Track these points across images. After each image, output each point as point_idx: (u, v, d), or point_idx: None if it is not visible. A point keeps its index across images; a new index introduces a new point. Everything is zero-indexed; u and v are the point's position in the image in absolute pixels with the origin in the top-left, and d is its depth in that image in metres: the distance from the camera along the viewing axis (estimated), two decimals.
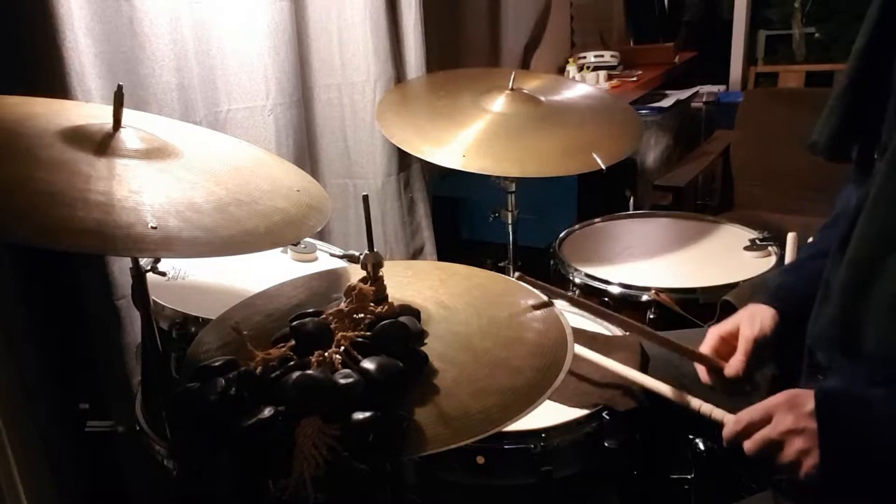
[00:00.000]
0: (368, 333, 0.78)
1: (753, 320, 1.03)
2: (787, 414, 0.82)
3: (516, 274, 0.99)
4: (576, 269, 1.51)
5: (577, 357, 0.82)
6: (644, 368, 1.10)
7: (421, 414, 0.72)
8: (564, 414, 1.01)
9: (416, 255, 2.09)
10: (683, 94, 3.10)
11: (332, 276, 1.07)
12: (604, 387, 1.06)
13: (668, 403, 1.05)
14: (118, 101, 0.91)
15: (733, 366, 1.00)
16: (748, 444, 0.84)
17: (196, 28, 1.48)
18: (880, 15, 0.85)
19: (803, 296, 0.97)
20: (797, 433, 0.81)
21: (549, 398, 0.75)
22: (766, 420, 0.84)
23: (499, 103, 1.60)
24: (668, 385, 1.01)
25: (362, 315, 0.81)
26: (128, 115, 0.93)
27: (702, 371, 1.04)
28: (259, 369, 0.74)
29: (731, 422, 0.87)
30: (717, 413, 0.94)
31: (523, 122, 1.57)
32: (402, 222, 2.01)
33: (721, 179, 2.71)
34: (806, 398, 0.82)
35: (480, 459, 0.98)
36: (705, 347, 1.05)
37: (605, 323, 1.31)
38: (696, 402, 0.97)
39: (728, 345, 1.04)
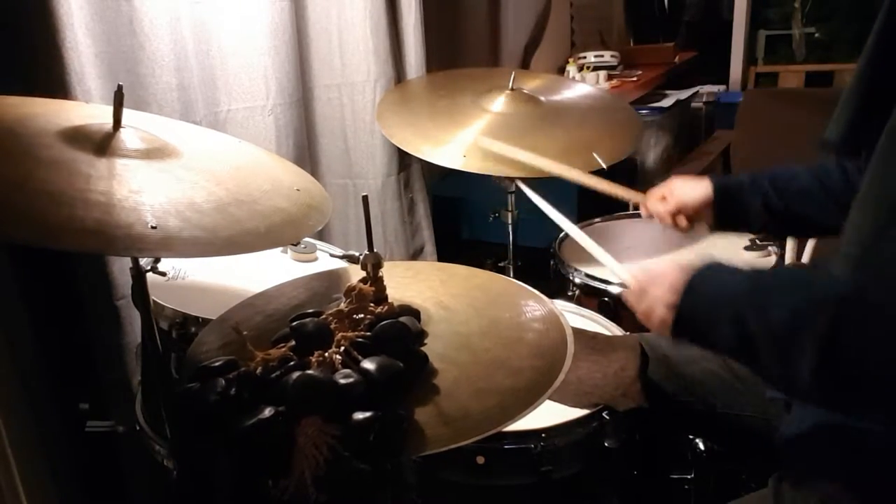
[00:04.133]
0: (368, 334, 0.78)
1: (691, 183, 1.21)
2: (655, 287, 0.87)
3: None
4: (576, 269, 1.51)
5: (577, 357, 0.82)
6: (644, 369, 1.10)
7: (421, 414, 0.72)
8: (564, 414, 1.01)
9: (416, 255, 2.09)
10: (683, 94, 3.10)
11: (332, 277, 1.07)
12: (604, 387, 1.06)
13: (670, 401, 1.05)
14: (118, 101, 0.91)
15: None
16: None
17: (196, 28, 1.48)
18: (891, 12, 0.85)
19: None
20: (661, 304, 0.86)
21: (549, 398, 0.75)
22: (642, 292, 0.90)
23: (499, 103, 1.60)
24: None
25: (362, 315, 0.81)
26: (128, 115, 0.93)
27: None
28: (259, 369, 0.74)
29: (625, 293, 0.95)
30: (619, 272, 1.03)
31: (523, 122, 1.57)
32: (402, 222, 2.01)
33: None
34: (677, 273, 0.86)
35: (480, 459, 0.98)
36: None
37: (606, 323, 1.32)
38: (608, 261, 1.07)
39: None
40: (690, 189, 1.21)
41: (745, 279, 0.82)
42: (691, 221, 1.24)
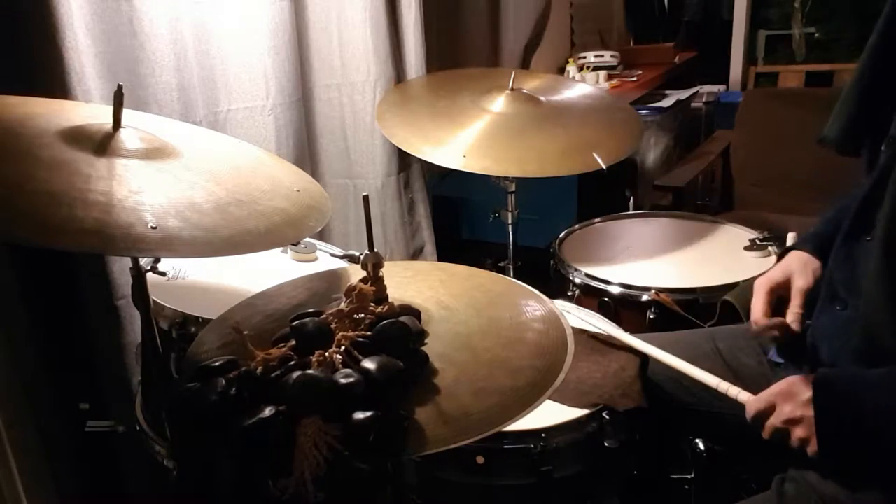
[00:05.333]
0: (369, 333, 0.78)
1: (805, 270, 1.00)
2: (786, 404, 0.84)
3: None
4: (576, 269, 1.51)
5: (577, 357, 0.82)
6: (644, 369, 1.10)
7: (421, 414, 0.72)
8: (564, 414, 1.01)
9: (416, 255, 2.09)
10: (683, 94, 3.10)
11: (333, 277, 1.07)
12: (604, 387, 1.06)
13: (670, 401, 1.05)
14: (118, 101, 0.91)
15: (793, 320, 0.97)
16: (763, 434, 0.87)
17: (196, 28, 1.48)
18: (893, 12, 0.85)
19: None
20: (796, 422, 0.84)
21: (549, 398, 0.75)
22: (770, 409, 0.86)
23: (499, 103, 1.60)
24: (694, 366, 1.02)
25: (363, 315, 0.81)
26: (128, 115, 0.93)
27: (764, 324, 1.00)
28: (259, 369, 0.74)
29: (749, 409, 0.89)
30: (733, 391, 0.94)
31: (523, 122, 1.57)
32: (402, 222, 2.01)
33: (721, 179, 2.71)
34: (803, 386, 0.85)
35: (480, 459, 0.98)
36: (758, 299, 1.01)
37: (606, 322, 1.32)
38: (714, 381, 0.98)
39: (776, 296, 1.01)
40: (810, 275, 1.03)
41: (868, 373, 0.82)
42: None
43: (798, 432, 0.84)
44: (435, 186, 2.17)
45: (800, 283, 0.99)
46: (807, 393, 0.84)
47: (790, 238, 1.37)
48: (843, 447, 0.82)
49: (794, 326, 0.97)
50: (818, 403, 0.82)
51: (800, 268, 1.00)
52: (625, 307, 1.41)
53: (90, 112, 0.98)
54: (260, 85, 1.61)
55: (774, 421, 0.86)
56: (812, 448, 0.83)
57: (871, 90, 0.88)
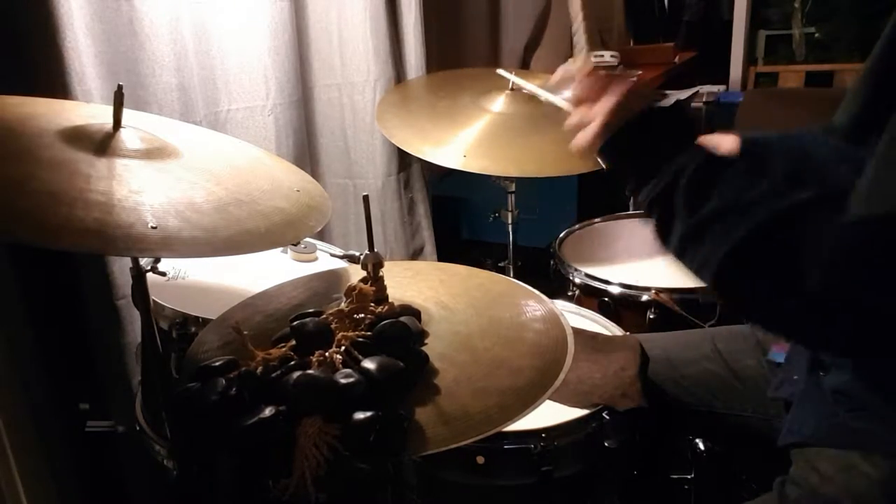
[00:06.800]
0: (369, 333, 0.78)
1: None
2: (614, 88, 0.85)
3: None
4: (576, 269, 1.51)
5: (577, 357, 0.82)
6: (644, 369, 1.10)
7: (421, 414, 0.72)
8: (564, 414, 1.01)
9: (416, 255, 2.09)
10: (683, 94, 3.10)
11: (333, 277, 1.07)
12: (604, 387, 1.06)
13: (670, 401, 1.04)
14: (118, 101, 0.91)
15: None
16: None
17: (196, 28, 1.48)
18: None
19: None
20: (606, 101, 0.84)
21: (549, 398, 0.75)
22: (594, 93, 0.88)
23: (499, 103, 1.60)
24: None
25: (363, 315, 0.81)
26: (128, 115, 0.93)
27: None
28: (259, 369, 0.74)
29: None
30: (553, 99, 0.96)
31: (523, 122, 1.57)
32: (402, 222, 2.01)
33: None
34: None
35: (480, 459, 0.98)
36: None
37: (606, 323, 1.32)
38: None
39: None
40: (718, 143, 1.08)
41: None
42: None
43: (597, 108, 0.83)
44: (435, 186, 2.17)
45: None
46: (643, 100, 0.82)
47: None
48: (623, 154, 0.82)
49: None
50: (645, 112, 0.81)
51: None
52: (625, 307, 1.41)
53: (90, 112, 0.98)
54: (260, 85, 1.61)
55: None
56: (595, 128, 0.83)
57: (884, 78, 0.87)
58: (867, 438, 0.86)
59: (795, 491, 0.92)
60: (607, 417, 1.01)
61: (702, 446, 1.13)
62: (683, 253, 0.75)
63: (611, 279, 1.44)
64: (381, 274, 0.87)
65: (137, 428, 1.23)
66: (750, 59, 3.49)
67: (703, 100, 3.34)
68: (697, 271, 0.73)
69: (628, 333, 1.24)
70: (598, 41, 3.42)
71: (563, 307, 1.15)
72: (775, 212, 0.68)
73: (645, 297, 1.39)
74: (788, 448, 0.94)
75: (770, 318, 0.73)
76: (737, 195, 0.70)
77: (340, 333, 0.77)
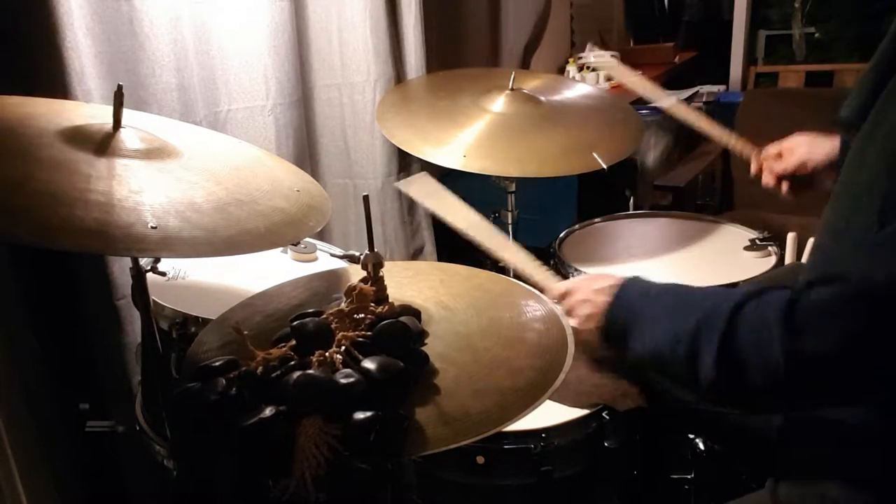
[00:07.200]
0: (369, 333, 0.78)
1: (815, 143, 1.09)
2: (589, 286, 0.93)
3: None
4: (576, 269, 1.51)
5: (577, 357, 0.82)
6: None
7: (421, 414, 0.72)
8: (564, 414, 1.01)
9: (416, 255, 2.09)
10: (683, 94, 3.10)
11: (333, 277, 1.07)
12: (604, 387, 1.06)
13: (670, 401, 1.05)
14: (118, 101, 0.91)
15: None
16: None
17: (196, 28, 1.48)
18: None
19: None
20: (587, 302, 0.92)
21: (549, 398, 0.75)
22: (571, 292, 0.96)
23: (499, 103, 1.60)
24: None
25: (363, 315, 0.81)
26: (128, 115, 0.93)
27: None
28: (260, 369, 0.74)
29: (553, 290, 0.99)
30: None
31: (523, 122, 1.57)
32: (402, 222, 2.01)
33: (721, 179, 2.71)
34: (606, 278, 0.93)
35: (480, 459, 0.98)
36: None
37: None
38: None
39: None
40: (818, 146, 1.11)
41: (668, 287, 0.90)
42: (802, 186, 1.16)
43: (585, 308, 0.91)
44: None
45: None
46: (608, 281, 0.92)
47: (790, 238, 1.37)
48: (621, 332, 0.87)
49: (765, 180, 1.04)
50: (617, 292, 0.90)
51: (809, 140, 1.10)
52: None
53: (90, 112, 0.98)
54: (260, 85, 1.61)
55: (572, 299, 0.94)
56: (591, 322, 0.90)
57: (886, 74, 0.87)
58: (862, 435, 0.86)
59: (788, 489, 0.91)
60: (607, 417, 1.01)
61: (702, 446, 1.13)
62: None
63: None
64: (381, 274, 0.87)
65: (137, 428, 1.23)
66: (750, 59, 3.49)
67: (703, 100, 3.34)
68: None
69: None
70: (598, 41, 3.42)
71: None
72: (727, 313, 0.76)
73: None
74: (783, 446, 0.94)
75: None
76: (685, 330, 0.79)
77: (340, 333, 0.77)
